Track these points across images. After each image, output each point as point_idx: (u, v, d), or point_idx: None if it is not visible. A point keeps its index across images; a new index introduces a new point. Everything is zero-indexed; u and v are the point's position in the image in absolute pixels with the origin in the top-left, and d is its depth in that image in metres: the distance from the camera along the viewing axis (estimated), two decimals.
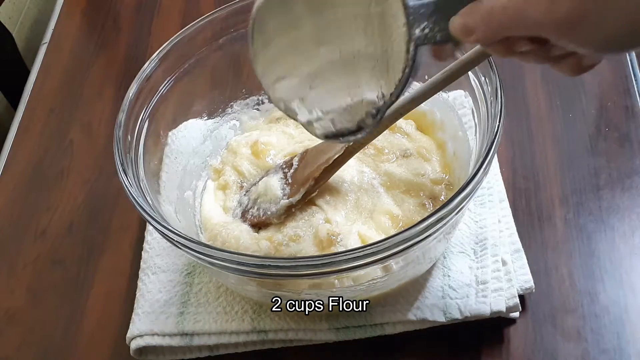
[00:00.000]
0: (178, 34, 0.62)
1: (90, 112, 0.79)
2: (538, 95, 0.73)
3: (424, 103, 0.56)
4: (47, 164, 0.75)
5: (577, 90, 0.72)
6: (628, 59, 0.74)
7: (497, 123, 0.51)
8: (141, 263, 0.63)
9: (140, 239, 0.65)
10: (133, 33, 0.86)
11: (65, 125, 0.78)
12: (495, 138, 0.50)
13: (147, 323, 0.58)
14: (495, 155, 0.65)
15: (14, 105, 0.86)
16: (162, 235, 0.50)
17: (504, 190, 0.63)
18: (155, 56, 0.60)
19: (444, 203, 0.48)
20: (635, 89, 0.72)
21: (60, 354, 0.61)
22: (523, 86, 0.73)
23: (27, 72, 0.86)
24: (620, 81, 0.73)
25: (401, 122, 0.64)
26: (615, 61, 0.74)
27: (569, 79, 0.73)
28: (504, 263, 0.58)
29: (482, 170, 0.49)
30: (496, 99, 0.53)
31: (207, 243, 0.58)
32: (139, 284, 0.61)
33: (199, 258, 0.50)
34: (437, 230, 0.48)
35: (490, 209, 0.62)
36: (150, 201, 0.54)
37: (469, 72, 0.56)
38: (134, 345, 0.57)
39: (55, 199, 0.71)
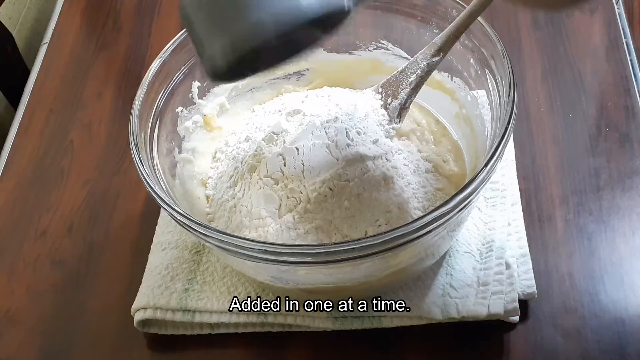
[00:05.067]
0: None
1: (90, 112, 0.79)
2: (538, 95, 0.73)
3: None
4: (47, 164, 0.75)
5: (577, 90, 0.72)
6: (628, 59, 0.74)
7: (506, 126, 0.51)
8: (154, 237, 0.64)
9: (141, 239, 0.65)
10: (133, 33, 0.86)
11: (65, 125, 0.78)
12: (502, 139, 0.50)
13: (152, 297, 0.60)
14: (514, 159, 0.65)
15: (14, 105, 0.86)
16: (171, 216, 0.51)
17: (518, 193, 0.63)
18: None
19: (445, 200, 0.48)
20: (635, 89, 0.72)
21: (60, 354, 0.61)
22: (523, 86, 0.73)
23: (27, 72, 0.86)
24: (620, 81, 0.73)
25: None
26: (616, 62, 0.74)
27: (569, 79, 0.74)
28: (508, 266, 0.58)
29: (486, 169, 0.49)
30: (509, 96, 0.52)
31: (208, 224, 0.58)
32: (150, 257, 0.63)
33: (205, 240, 0.50)
34: (438, 226, 0.48)
35: (501, 211, 0.62)
36: (160, 179, 0.55)
37: (487, 73, 0.57)
38: (137, 317, 0.59)
39: (55, 199, 0.71)
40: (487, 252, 0.59)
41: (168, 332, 0.60)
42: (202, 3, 0.43)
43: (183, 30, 0.61)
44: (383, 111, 0.61)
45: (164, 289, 0.60)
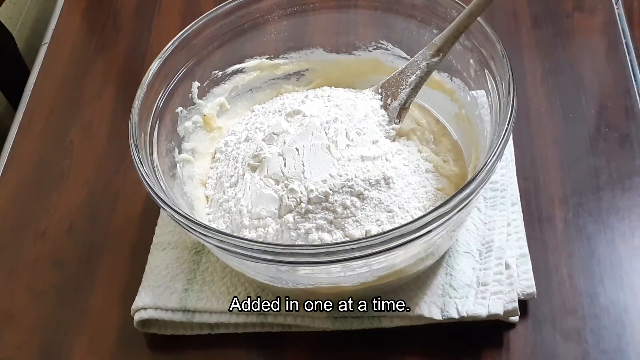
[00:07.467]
0: (206, 14, 0.62)
1: (90, 112, 0.79)
2: (538, 95, 0.73)
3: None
4: (47, 164, 0.75)
5: (577, 90, 0.72)
6: (628, 60, 0.74)
7: (506, 126, 0.51)
8: (154, 237, 0.64)
9: (141, 239, 0.65)
10: (133, 33, 0.86)
11: (65, 125, 0.78)
12: (501, 139, 0.50)
13: (151, 297, 0.59)
14: (513, 159, 0.65)
15: (14, 105, 0.86)
16: (170, 216, 0.51)
17: (518, 194, 0.63)
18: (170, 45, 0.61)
19: (445, 200, 0.48)
20: (635, 89, 0.72)
21: (60, 355, 0.61)
22: (523, 86, 0.73)
23: (27, 72, 0.86)
24: (620, 82, 0.73)
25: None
26: (616, 62, 0.74)
27: (569, 79, 0.73)
28: (507, 266, 0.58)
29: (486, 169, 0.49)
30: (508, 96, 0.52)
31: (208, 225, 0.58)
32: (149, 257, 0.63)
33: (204, 240, 0.50)
34: (439, 226, 0.48)
35: (500, 212, 0.62)
36: (160, 180, 0.55)
37: (487, 73, 0.57)
38: (137, 317, 0.59)
39: (55, 199, 0.71)
40: (487, 252, 0.59)
41: (168, 332, 0.60)
42: None
43: (183, 30, 0.61)
44: (383, 111, 0.61)
45: (163, 289, 0.60)
